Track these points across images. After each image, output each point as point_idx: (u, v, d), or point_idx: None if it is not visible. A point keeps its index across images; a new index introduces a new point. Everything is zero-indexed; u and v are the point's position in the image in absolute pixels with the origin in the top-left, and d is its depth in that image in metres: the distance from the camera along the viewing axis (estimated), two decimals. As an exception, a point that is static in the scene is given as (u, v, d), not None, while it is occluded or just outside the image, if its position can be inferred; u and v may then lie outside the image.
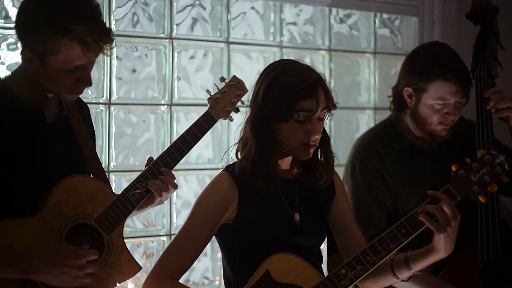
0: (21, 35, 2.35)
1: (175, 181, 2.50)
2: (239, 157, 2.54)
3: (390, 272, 2.51)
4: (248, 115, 2.53)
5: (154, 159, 2.51)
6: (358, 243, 2.60)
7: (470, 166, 2.48)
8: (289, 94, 2.42)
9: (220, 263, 3.54)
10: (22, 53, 2.34)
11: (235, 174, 2.50)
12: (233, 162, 2.57)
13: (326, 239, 2.68)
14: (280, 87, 2.43)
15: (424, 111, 3.03)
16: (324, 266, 2.67)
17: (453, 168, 2.49)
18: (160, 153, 2.52)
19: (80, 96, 2.48)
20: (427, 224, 2.43)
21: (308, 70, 2.48)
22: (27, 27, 2.31)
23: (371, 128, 3.36)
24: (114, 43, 2.37)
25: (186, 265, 2.49)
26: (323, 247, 2.68)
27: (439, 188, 2.47)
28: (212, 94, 2.62)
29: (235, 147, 2.56)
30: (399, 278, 2.52)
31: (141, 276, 3.36)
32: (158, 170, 2.48)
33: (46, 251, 2.30)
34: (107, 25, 2.38)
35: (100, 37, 2.31)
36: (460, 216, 2.44)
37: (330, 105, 2.48)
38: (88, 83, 2.37)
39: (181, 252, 2.47)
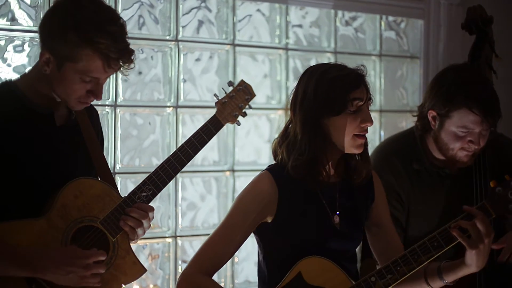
0: (44, 37, 2.36)
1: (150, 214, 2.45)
2: (284, 158, 2.55)
3: (423, 279, 2.58)
4: (289, 118, 2.58)
5: (160, 163, 2.51)
6: (395, 249, 2.64)
7: (508, 183, 2.49)
8: (340, 86, 2.49)
9: (226, 265, 3.54)
10: (41, 54, 2.36)
11: (276, 175, 2.54)
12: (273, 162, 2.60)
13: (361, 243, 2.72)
14: (329, 82, 2.50)
15: (447, 137, 2.91)
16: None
17: (491, 184, 2.50)
18: (166, 156, 2.52)
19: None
20: (460, 239, 2.46)
21: (346, 66, 2.56)
22: (53, 30, 2.33)
23: (393, 137, 3.22)
24: (133, 64, 2.39)
25: (221, 262, 2.55)
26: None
27: (451, 215, 2.48)
28: (219, 98, 2.62)
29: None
30: (431, 287, 2.59)
31: (146, 278, 3.37)
32: (165, 174, 2.47)
33: (54, 251, 2.32)
34: None
35: (123, 55, 2.34)
36: (494, 233, 2.46)
37: (370, 95, 2.55)
38: (99, 96, 2.39)
39: (217, 250, 2.53)
